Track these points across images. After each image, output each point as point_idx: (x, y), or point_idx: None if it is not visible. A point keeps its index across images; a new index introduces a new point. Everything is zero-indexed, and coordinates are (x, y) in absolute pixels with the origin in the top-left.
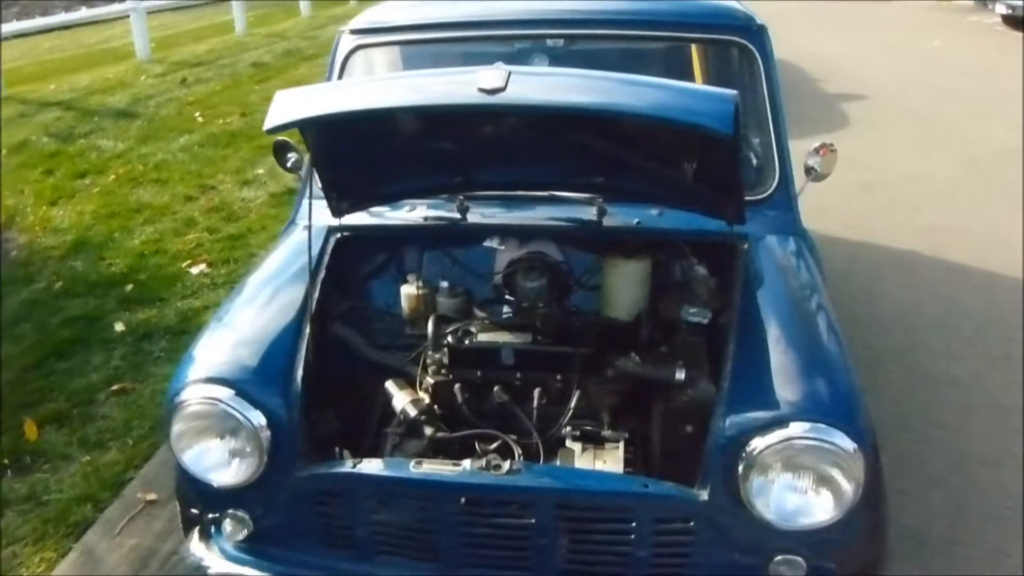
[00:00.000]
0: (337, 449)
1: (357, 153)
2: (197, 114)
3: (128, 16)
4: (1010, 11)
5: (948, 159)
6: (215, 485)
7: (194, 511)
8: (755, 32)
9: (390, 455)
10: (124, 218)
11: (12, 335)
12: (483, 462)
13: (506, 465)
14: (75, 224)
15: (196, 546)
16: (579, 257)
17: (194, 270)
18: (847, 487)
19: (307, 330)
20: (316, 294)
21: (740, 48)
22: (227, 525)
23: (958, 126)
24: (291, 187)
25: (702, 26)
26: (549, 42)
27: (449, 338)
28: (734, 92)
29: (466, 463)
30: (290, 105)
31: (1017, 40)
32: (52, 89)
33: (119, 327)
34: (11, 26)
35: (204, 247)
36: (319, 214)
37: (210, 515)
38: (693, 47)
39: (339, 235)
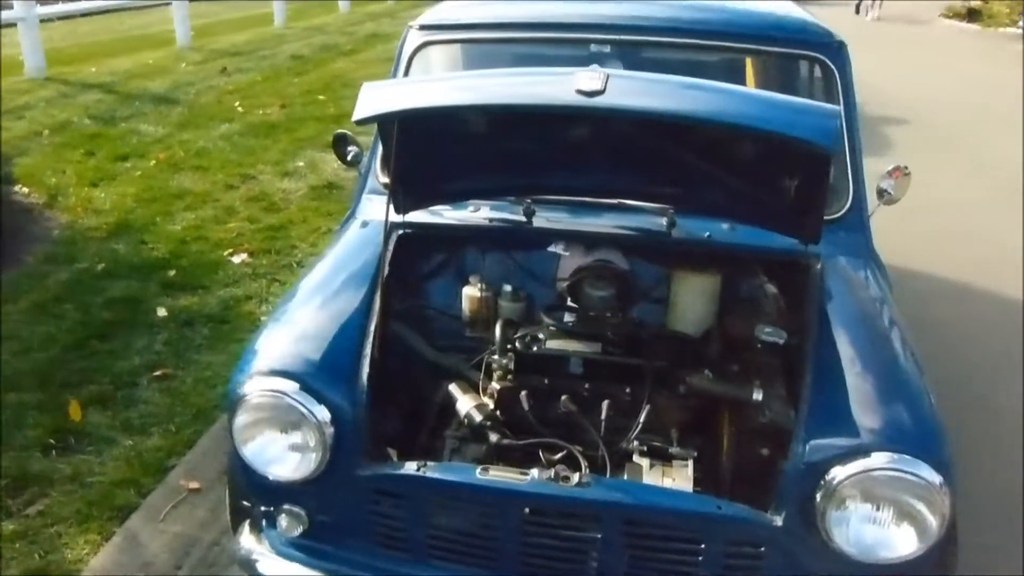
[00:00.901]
0: (389, 450)
1: (432, 149)
2: (237, 103)
3: (169, 3)
4: None
5: (993, 186)
6: (274, 479)
7: (246, 504)
8: (835, 49)
9: (448, 459)
10: (165, 203)
11: (53, 314)
12: (551, 472)
13: (575, 477)
14: (116, 206)
15: (246, 539)
16: (646, 268)
17: (235, 259)
18: (932, 522)
19: (373, 327)
20: (380, 291)
21: (819, 64)
22: (282, 520)
23: (1003, 151)
24: (331, 181)
25: (782, 40)
26: (619, 48)
27: (517, 343)
28: (837, 108)
29: (533, 472)
30: (380, 97)
31: None
32: (93, 72)
33: (161, 312)
34: (54, 8)
35: (245, 236)
36: (377, 210)
37: (264, 509)
38: (768, 60)
39: (400, 232)
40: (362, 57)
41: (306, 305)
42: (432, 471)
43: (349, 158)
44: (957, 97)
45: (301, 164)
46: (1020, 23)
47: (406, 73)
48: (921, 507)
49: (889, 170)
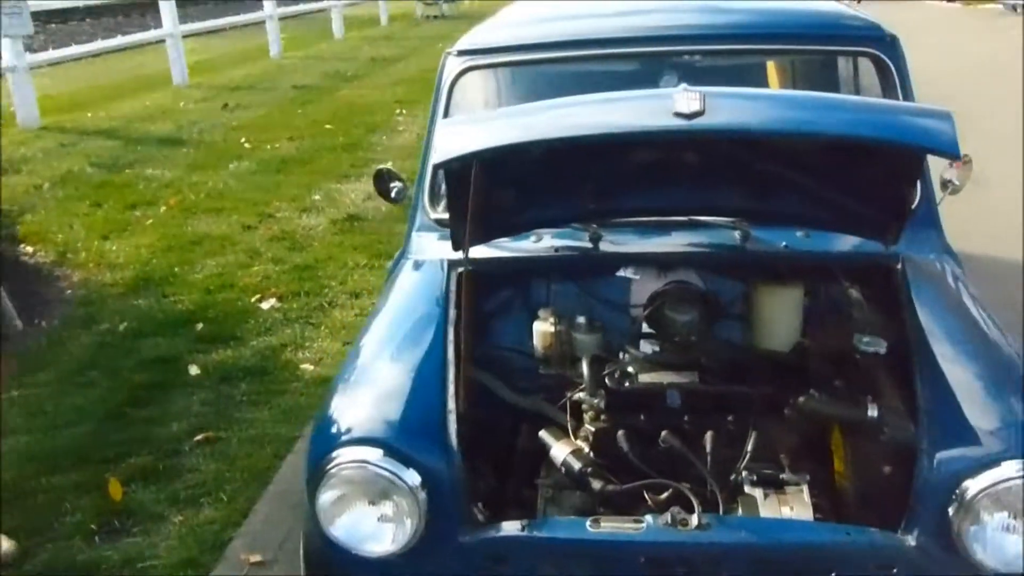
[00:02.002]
0: (476, 507)
1: (497, 182)
2: (244, 140)
3: (162, 42)
4: None
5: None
6: (367, 555)
7: None
8: (889, 43)
9: (544, 511)
10: (183, 251)
11: (80, 383)
12: (668, 517)
13: (694, 519)
14: (132, 259)
15: None
16: (723, 285)
17: (264, 304)
18: None
19: (452, 376)
20: (452, 336)
21: (874, 59)
22: None
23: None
24: (352, 213)
25: (836, 38)
26: (670, 59)
27: (607, 380)
28: (949, 110)
29: (648, 519)
30: (463, 136)
31: None
32: (90, 118)
33: (194, 370)
34: (43, 55)
35: (272, 279)
36: (431, 247)
37: None
38: (825, 59)
39: (461, 270)
40: (367, 83)
41: (377, 360)
42: (540, 529)
43: (393, 195)
44: (966, 75)
45: (318, 198)
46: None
47: (447, 102)
48: None
49: (950, 162)
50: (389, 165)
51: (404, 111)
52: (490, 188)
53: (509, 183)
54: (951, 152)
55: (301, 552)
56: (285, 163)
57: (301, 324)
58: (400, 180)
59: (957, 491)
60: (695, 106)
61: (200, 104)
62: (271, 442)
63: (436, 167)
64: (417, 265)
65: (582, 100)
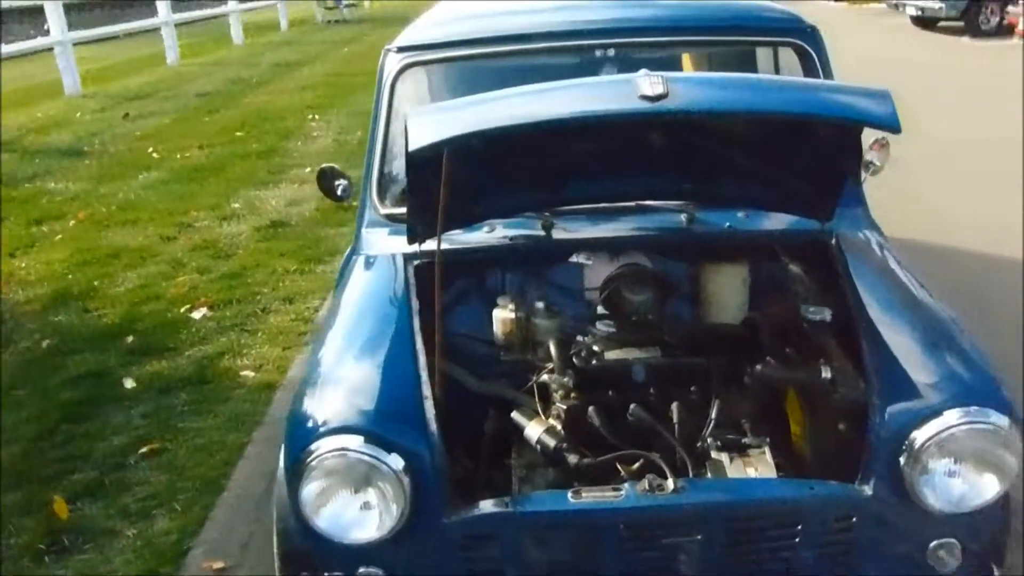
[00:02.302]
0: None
1: (460, 173)
2: (151, 149)
3: (50, 50)
4: (919, 13)
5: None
6: (351, 543)
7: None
8: (810, 33)
9: (519, 490)
10: (101, 264)
11: (8, 403)
12: (646, 484)
13: (669, 484)
14: (46, 275)
15: None
16: (673, 267)
17: (196, 314)
18: (1012, 461)
19: (424, 365)
20: (419, 326)
21: (797, 49)
22: None
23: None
24: (275, 220)
25: (760, 29)
26: (607, 51)
27: (575, 360)
28: (887, 89)
29: (626, 487)
30: (435, 123)
31: (929, 37)
32: None
33: (129, 383)
34: None
35: (200, 289)
36: (382, 243)
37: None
38: (751, 49)
39: (417, 263)
40: (273, 89)
41: (345, 355)
42: (524, 505)
43: (339, 192)
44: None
45: (238, 206)
46: None
47: (391, 99)
48: (999, 451)
49: (870, 144)
50: (334, 165)
51: (317, 117)
52: (451, 179)
53: (468, 174)
54: (892, 126)
55: (276, 551)
56: (198, 172)
57: (237, 332)
58: (345, 178)
59: (907, 442)
60: (659, 89)
61: (98, 114)
62: (220, 450)
63: (412, 155)
64: (370, 260)
65: (549, 87)
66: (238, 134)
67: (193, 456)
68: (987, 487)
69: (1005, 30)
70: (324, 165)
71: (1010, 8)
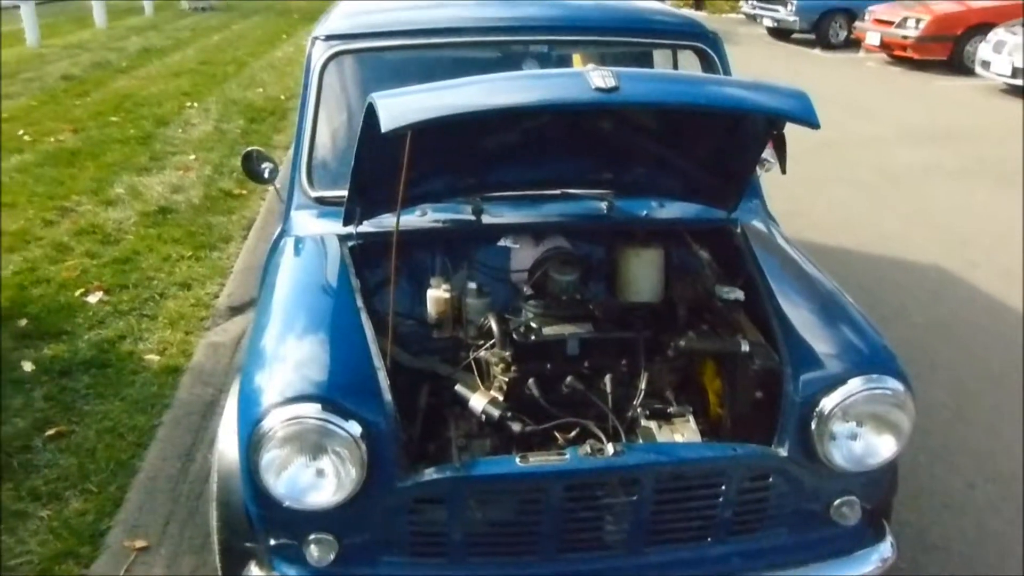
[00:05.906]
0: None
1: (391, 158)
2: (20, 131)
3: None
4: (774, 24)
5: None
6: (306, 508)
7: (249, 545)
8: (712, 39)
9: (460, 459)
10: None
11: None
12: (587, 448)
13: (609, 448)
14: None
15: None
16: (594, 250)
17: (91, 298)
18: (906, 423)
19: (371, 337)
20: (361, 303)
21: (700, 52)
22: (312, 550)
23: None
24: (162, 206)
25: (667, 33)
26: (528, 48)
27: (514, 335)
28: (803, 89)
29: (569, 451)
30: (406, 105)
31: (784, 48)
32: None
33: (27, 366)
34: None
35: (92, 273)
36: (311, 224)
37: (284, 543)
38: (657, 51)
39: (351, 244)
40: (144, 74)
41: (290, 331)
42: (475, 469)
43: (266, 175)
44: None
45: (121, 191)
46: (741, 7)
47: (319, 86)
48: (897, 414)
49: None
50: (260, 148)
51: (195, 103)
52: (382, 164)
53: (398, 159)
54: (812, 121)
55: (215, 525)
56: (74, 156)
57: (136, 316)
58: (271, 161)
59: (817, 408)
60: (611, 82)
61: None
62: (130, 432)
63: (385, 134)
64: (301, 242)
65: (509, 76)
66: (113, 119)
67: (102, 438)
68: (885, 447)
69: (853, 43)
70: (250, 148)
71: (857, 23)
